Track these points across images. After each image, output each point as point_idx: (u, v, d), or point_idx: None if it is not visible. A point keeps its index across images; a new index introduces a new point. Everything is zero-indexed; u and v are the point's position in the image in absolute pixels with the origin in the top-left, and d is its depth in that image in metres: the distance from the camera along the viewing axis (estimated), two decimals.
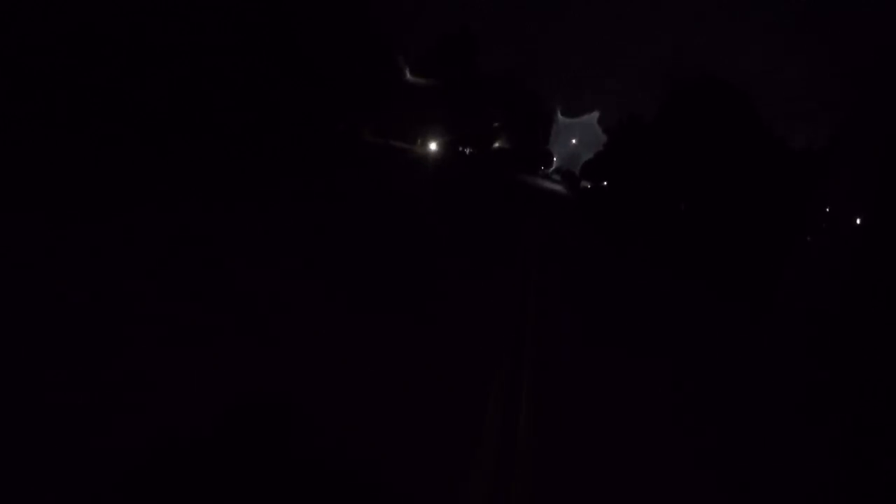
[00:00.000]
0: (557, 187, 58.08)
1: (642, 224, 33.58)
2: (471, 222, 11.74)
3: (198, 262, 4.86)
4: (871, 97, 36.28)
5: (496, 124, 53.00)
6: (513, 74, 61.22)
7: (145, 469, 2.32)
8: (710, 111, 43.00)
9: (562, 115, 78.13)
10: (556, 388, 4.16)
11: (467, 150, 53.03)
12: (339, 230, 7.35)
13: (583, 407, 3.97)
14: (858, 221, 32.93)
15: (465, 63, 47.71)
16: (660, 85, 48.75)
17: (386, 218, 8.69)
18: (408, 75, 42.35)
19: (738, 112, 41.79)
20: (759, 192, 38.50)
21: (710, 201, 41.49)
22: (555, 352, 4.98)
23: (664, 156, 44.36)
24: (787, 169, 38.94)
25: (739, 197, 39.56)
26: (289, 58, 17.37)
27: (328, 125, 26.96)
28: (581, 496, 2.93)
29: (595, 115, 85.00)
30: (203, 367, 3.19)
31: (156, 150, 9.36)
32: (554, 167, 75.04)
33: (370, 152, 27.84)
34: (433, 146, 45.13)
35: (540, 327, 5.50)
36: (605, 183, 62.30)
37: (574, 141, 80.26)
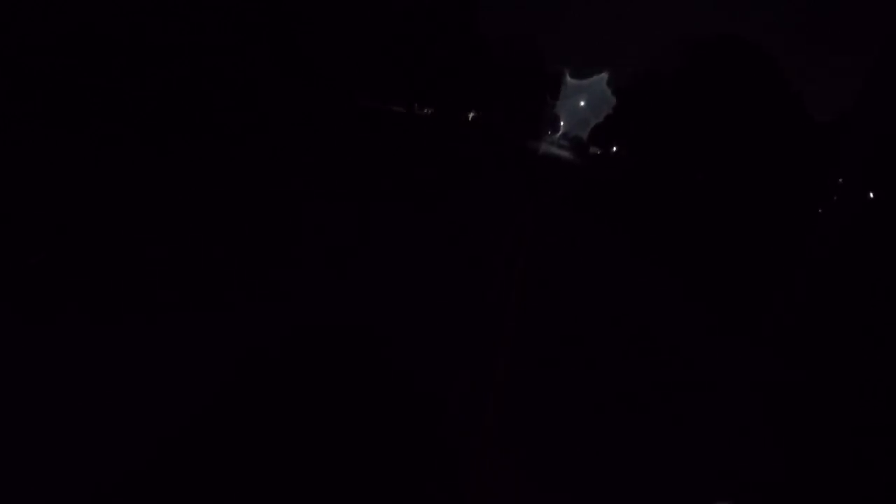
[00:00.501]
0: (564, 153, 57.54)
1: (657, 204, 31.77)
2: (463, 204, 11.90)
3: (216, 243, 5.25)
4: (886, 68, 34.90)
5: (499, 89, 52.00)
6: (518, 33, 59.68)
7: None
8: (734, 72, 40.17)
9: (570, 77, 76.30)
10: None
11: (471, 115, 52.42)
12: (325, 215, 7.45)
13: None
14: (871, 195, 31.64)
15: (466, 20, 46.50)
16: (676, 44, 46.28)
17: (363, 204, 8.83)
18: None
19: (765, 76, 39.32)
20: (784, 167, 37.12)
21: (731, 171, 39.62)
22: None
23: (683, 118, 42.05)
24: (815, 141, 37.41)
25: (761, 168, 37.98)
26: (272, 20, 16.91)
27: (319, 91, 26.28)
28: None
29: (604, 76, 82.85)
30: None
31: (156, 150, 9.57)
32: (561, 132, 74.04)
33: (364, 118, 27.47)
34: (432, 111, 44.71)
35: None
36: (615, 149, 61.31)
37: (582, 104, 78.70)
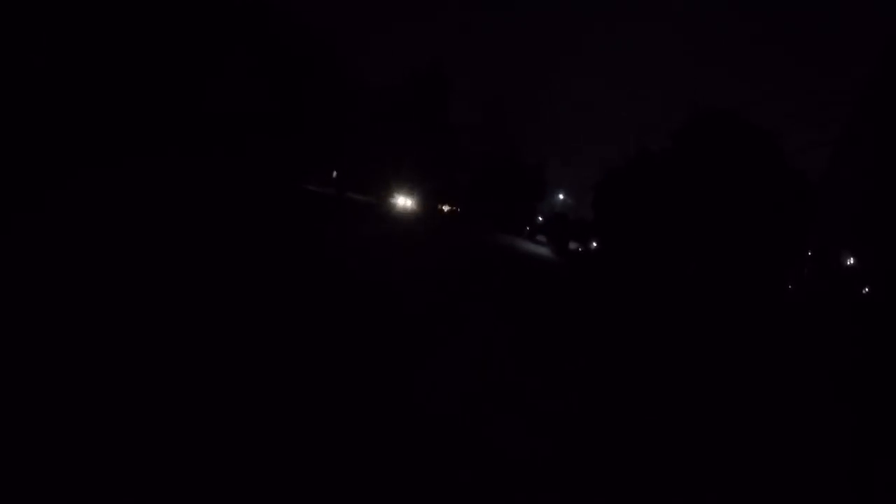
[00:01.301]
0: (542, 250, 52.88)
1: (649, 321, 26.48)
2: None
3: None
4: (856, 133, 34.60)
5: (471, 178, 47.96)
6: (494, 120, 57.00)
7: None
8: (728, 152, 35.85)
9: (549, 169, 74.41)
10: None
11: (444, 208, 47.73)
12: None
13: None
14: (851, 261, 29.94)
15: (438, 105, 42.69)
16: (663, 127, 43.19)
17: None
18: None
19: (763, 156, 34.94)
20: (787, 254, 33.06)
21: (727, 260, 34.98)
22: None
23: (674, 203, 37.03)
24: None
25: (760, 258, 33.65)
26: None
27: (270, 175, 22.58)
28: None
29: (585, 168, 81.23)
30: None
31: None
32: (539, 225, 70.43)
33: (315, 208, 22.41)
34: (401, 201, 39.80)
35: None
36: (595, 244, 56.92)
37: (561, 196, 76.11)
